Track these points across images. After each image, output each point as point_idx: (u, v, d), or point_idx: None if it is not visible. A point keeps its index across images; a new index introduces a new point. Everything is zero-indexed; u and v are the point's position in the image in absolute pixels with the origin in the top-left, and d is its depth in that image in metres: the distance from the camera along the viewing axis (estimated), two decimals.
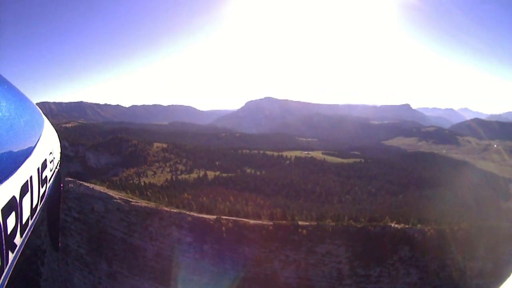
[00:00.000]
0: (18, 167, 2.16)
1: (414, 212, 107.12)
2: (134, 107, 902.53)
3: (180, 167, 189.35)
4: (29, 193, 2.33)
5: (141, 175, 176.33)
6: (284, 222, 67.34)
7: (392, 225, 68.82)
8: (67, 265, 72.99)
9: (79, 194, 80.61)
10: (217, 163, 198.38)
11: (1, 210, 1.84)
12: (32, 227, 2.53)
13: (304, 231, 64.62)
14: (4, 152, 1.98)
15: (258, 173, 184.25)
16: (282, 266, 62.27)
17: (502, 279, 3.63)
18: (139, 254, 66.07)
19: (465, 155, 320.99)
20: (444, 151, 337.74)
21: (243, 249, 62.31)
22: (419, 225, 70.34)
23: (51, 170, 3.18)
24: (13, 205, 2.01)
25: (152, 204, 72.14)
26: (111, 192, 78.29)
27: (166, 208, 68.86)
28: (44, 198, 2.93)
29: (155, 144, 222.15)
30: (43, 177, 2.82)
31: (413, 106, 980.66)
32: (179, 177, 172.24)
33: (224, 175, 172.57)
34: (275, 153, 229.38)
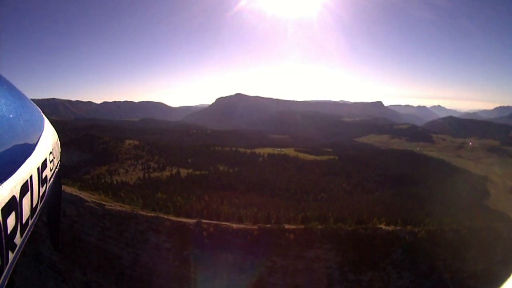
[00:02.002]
0: (18, 167, 2.18)
1: (395, 211, 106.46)
2: (105, 103, 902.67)
3: (152, 164, 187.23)
4: (29, 193, 2.35)
5: (113, 173, 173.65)
6: (269, 226, 64.31)
7: (383, 227, 66.60)
8: (40, 273, 68.96)
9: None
10: (189, 160, 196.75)
11: (1, 210, 1.86)
12: (32, 227, 2.59)
13: (292, 235, 61.45)
14: (4, 152, 1.99)
15: (231, 170, 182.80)
16: (269, 273, 59.41)
17: (502, 279, 3.43)
18: (115, 261, 62.07)
19: (440, 152, 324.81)
20: (418, 149, 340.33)
21: (227, 256, 59.03)
22: (409, 227, 68.43)
23: (51, 170, 3.22)
24: (13, 205, 2.03)
25: (127, 207, 68.29)
26: (83, 194, 74.18)
27: (142, 212, 64.80)
28: (44, 198, 2.93)
29: (127, 141, 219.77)
30: (43, 177, 2.83)
31: (385, 104, 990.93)
32: (152, 175, 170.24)
33: (197, 172, 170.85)
34: (248, 150, 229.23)
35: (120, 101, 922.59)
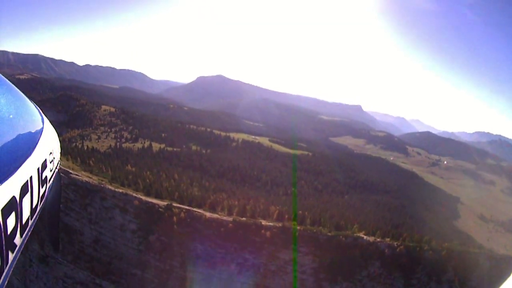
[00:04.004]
0: (18, 167, 2.22)
1: (369, 219, 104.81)
2: (87, 66, 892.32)
3: (126, 134, 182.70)
4: (29, 193, 2.41)
5: (85, 138, 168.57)
6: (245, 219, 60.83)
7: (364, 237, 63.97)
8: None
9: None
10: (163, 135, 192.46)
11: (1, 210, 1.90)
12: (32, 227, 2.66)
13: (268, 233, 58.28)
14: (4, 152, 2.03)
15: (204, 151, 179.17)
16: (239, 270, 56.13)
17: (502, 279, 3.52)
18: (75, 238, 57.60)
19: (413, 166, 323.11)
20: (392, 158, 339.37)
21: (196, 246, 55.16)
22: (387, 239, 66.05)
23: (51, 170, 3.30)
24: (13, 205, 2.07)
25: (94, 180, 64.11)
26: None
27: (110, 187, 60.50)
28: (44, 198, 3.02)
29: (103, 107, 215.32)
30: (43, 177, 2.91)
31: (365, 109, 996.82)
32: (124, 145, 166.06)
33: (169, 149, 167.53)
34: (222, 133, 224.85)
35: (102, 66, 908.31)
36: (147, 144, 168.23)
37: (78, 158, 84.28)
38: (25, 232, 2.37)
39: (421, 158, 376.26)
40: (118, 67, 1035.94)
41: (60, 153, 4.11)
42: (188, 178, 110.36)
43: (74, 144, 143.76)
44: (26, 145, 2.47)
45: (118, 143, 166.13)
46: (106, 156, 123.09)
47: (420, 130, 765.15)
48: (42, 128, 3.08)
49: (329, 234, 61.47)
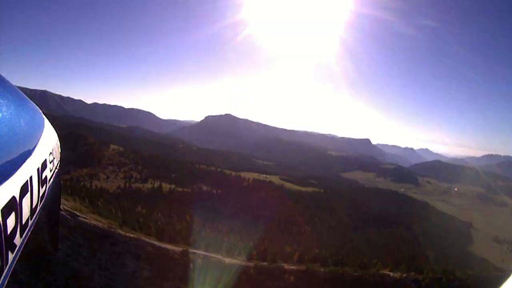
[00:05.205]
0: (18, 167, 2.22)
1: (388, 253, 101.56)
2: (95, 104, 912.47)
3: (135, 174, 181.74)
4: (29, 193, 2.39)
5: (94, 177, 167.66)
6: (266, 264, 56.78)
7: (390, 274, 60.00)
8: None
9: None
10: (173, 175, 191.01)
11: (1, 210, 1.90)
12: (32, 227, 2.61)
13: (292, 278, 54.21)
14: (4, 152, 2.03)
15: (215, 191, 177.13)
16: None
17: (503, 280, 3.49)
18: (83, 284, 54.04)
19: (424, 195, 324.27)
20: (403, 190, 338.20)
21: None
22: (412, 273, 62.04)
23: (51, 170, 3.27)
24: (13, 205, 2.06)
25: (103, 223, 60.51)
26: None
27: (120, 231, 57.18)
28: (44, 198, 2.97)
29: (112, 146, 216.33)
30: (43, 177, 2.88)
31: (373, 142, 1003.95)
32: (133, 185, 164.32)
33: (179, 189, 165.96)
34: (233, 173, 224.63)
35: (110, 105, 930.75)
36: (157, 184, 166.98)
37: (86, 199, 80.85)
38: (25, 232, 2.33)
39: (431, 187, 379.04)
40: (126, 106, 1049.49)
41: (60, 153, 3.98)
42: (200, 220, 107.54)
43: (82, 183, 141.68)
44: (26, 145, 2.45)
45: (127, 183, 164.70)
46: (115, 197, 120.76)
47: (429, 159, 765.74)
48: (42, 128, 3.06)
49: (355, 274, 57.57)
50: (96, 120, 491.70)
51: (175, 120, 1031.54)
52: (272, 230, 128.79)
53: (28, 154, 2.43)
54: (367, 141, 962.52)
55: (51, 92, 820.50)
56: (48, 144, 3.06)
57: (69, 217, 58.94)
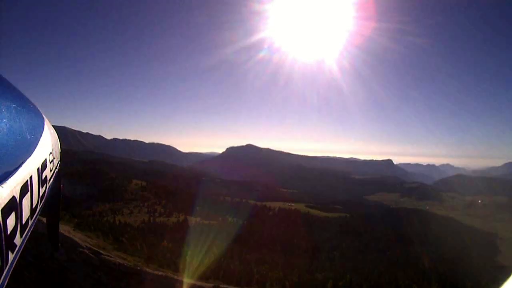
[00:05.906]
0: (18, 167, 2.18)
1: (420, 272, 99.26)
2: (115, 140, 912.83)
3: (159, 208, 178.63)
4: (29, 193, 2.33)
5: (117, 212, 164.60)
6: None
7: None
8: None
9: (37, 233, 67.18)
10: (197, 208, 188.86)
11: (1, 210, 1.89)
12: (32, 227, 2.56)
13: None
14: (4, 152, 2.01)
15: (241, 222, 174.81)
16: None
17: (503, 280, 3.52)
18: None
19: (449, 211, 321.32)
20: (427, 207, 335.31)
21: None
22: None
23: (51, 170, 3.21)
24: (13, 205, 2.02)
25: (129, 260, 58.19)
26: (78, 236, 64.17)
27: (147, 269, 54.79)
28: (44, 198, 2.92)
29: (134, 181, 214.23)
30: (43, 177, 2.80)
31: (395, 162, 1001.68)
32: (157, 219, 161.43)
33: (205, 222, 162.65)
34: (258, 203, 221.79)
35: (130, 140, 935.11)
36: (182, 218, 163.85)
37: (110, 235, 78.56)
38: (25, 232, 2.29)
39: (455, 202, 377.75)
40: (146, 140, 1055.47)
41: (60, 153, 3.99)
42: (228, 252, 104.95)
43: (105, 218, 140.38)
44: (26, 145, 2.42)
45: (151, 217, 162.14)
46: (139, 231, 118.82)
47: (450, 174, 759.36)
48: (43, 128, 2.99)
49: None
50: (116, 155, 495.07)
51: (196, 153, 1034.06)
52: (301, 258, 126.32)
53: (28, 154, 2.40)
54: (389, 161, 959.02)
55: (70, 128, 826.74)
56: (48, 144, 3.00)
57: (92, 255, 56.55)
